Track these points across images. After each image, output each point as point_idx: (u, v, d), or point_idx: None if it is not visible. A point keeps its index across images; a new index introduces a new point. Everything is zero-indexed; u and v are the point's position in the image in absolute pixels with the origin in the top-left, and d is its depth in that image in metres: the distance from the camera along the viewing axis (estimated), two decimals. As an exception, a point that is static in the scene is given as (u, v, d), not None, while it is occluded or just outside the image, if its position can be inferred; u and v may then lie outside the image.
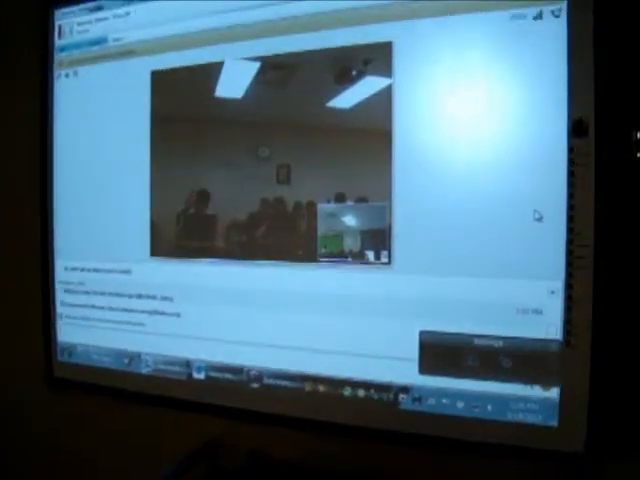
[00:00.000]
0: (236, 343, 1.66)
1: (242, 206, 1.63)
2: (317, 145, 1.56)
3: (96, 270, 1.87)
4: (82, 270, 1.89)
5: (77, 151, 1.88)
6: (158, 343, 1.77)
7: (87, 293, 1.89)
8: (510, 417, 1.44)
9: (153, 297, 1.77)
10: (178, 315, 1.73)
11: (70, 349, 1.94)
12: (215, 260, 1.67)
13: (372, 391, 1.52)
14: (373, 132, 1.48)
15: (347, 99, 1.51)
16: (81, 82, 1.89)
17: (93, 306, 1.88)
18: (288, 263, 1.58)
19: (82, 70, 1.89)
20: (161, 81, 1.74)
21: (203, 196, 1.67)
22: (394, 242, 1.47)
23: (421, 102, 1.45)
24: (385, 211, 1.46)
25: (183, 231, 1.72)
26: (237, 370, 1.67)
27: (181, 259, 1.71)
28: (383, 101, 1.47)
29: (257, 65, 1.60)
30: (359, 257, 1.50)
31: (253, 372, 1.65)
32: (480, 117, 1.44)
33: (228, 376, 1.68)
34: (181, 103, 1.72)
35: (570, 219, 1.37)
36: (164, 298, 1.75)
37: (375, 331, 1.50)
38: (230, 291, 1.65)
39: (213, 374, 1.70)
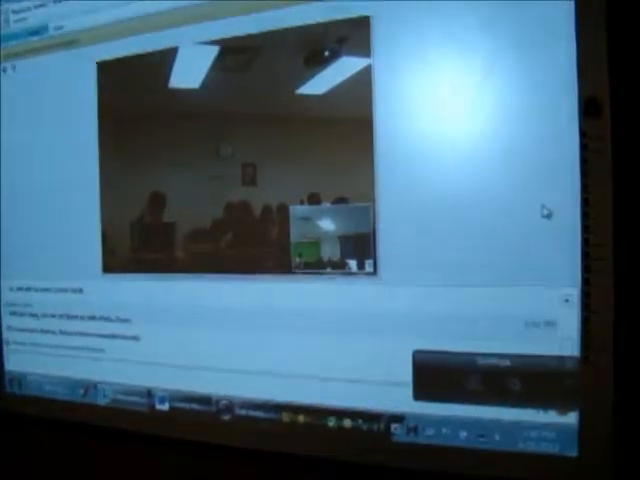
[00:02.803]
0: (203, 369, 1.51)
1: (203, 212, 1.48)
2: (286, 139, 1.42)
3: (45, 290, 1.72)
4: (28, 290, 1.75)
5: (19, 157, 1.75)
6: (116, 370, 1.62)
7: (35, 316, 1.76)
8: (522, 447, 1.28)
9: (108, 319, 1.62)
10: (137, 338, 1.59)
11: (19, 379, 1.79)
12: (175, 275, 1.53)
13: (360, 421, 1.37)
14: (351, 121, 1.34)
15: (319, 84, 1.36)
16: (20, 78, 1.74)
17: (42, 330, 1.73)
18: (258, 276, 1.43)
19: (21, 64, 1.74)
20: (108, 73, 1.59)
21: (158, 200, 1.53)
22: (379, 248, 1.32)
23: (406, 85, 1.31)
24: (368, 213, 1.32)
25: (138, 242, 1.58)
26: (205, 400, 1.52)
27: (137, 274, 1.57)
28: (361, 85, 1.32)
29: (215, 50, 1.45)
30: (339, 267, 1.36)
31: (223, 402, 1.50)
32: (475, 101, 1.27)
33: (195, 407, 1.54)
34: (131, 97, 1.58)
35: (584, 215, 1.20)
36: (120, 320, 1.61)
37: (361, 352, 1.35)
38: (193, 310, 1.51)
39: (178, 405, 1.56)
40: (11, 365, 1.79)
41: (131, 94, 1.57)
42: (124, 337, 1.60)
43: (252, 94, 1.44)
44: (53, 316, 1.71)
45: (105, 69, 1.59)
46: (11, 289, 1.78)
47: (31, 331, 1.75)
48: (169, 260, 1.53)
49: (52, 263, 1.69)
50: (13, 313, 1.78)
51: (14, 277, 1.77)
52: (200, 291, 1.50)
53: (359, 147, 1.32)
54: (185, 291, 1.51)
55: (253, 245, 1.45)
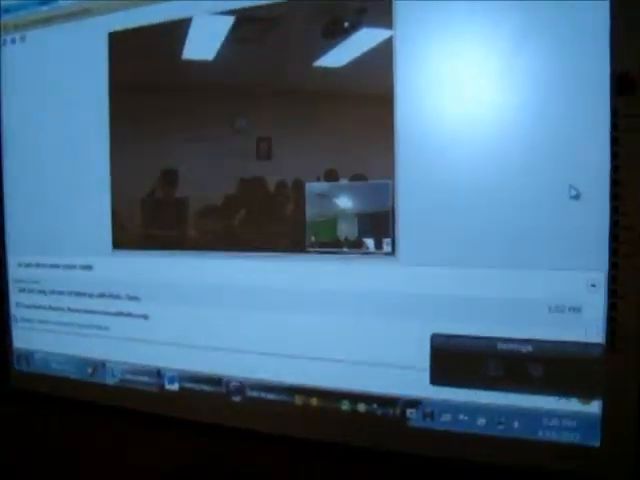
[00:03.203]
0: (213, 349, 1.47)
1: (216, 188, 1.44)
2: (303, 113, 1.36)
3: (53, 266, 1.68)
4: (37, 266, 1.71)
5: (28, 130, 1.69)
6: (125, 349, 1.59)
7: (43, 293, 1.71)
8: (541, 436, 1.24)
9: (117, 296, 1.59)
10: (146, 317, 1.55)
11: (27, 356, 1.76)
12: (186, 252, 1.48)
13: (375, 405, 1.34)
14: (371, 95, 1.29)
15: (338, 56, 1.31)
16: (30, 48, 1.69)
17: (51, 307, 1.70)
18: (272, 255, 1.39)
19: (30, 35, 1.69)
20: (120, 44, 1.53)
21: (170, 176, 1.48)
22: (399, 228, 1.27)
23: (429, 58, 1.26)
24: (387, 190, 1.27)
25: (149, 219, 1.54)
26: (215, 381, 1.49)
27: (147, 252, 1.53)
28: (382, 58, 1.26)
29: (230, 20, 1.40)
30: (356, 246, 1.31)
31: (234, 383, 1.47)
32: (502, 76, 1.21)
33: (205, 388, 1.50)
34: (143, 69, 1.52)
35: (614, 197, 1.15)
36: (130, 297, 1.57)
37: (377, 335, 1.31)
38: (204, 288, 1.47)
39: (188, 385, 1.53)
40: (19, 342, 1.77)
41: (143, 66, 1.51)
42: (133, 315, 1.57)
43: (268, 66, 1.38)
44: (61, 293, 1.67)
45: (116, 40, 1.53)
46: (19, 265, 1.74)
47: (39, 308, 1.71)
48: (180, 237, 1.49)
49: (61, 239, 1.65)
50: (22, 290, 1.74)
51: (22, 253, 1.73)
52: (211, 269, 1.46)
53: (379, 122, 1.27)
54: (196, 269, 1.47)
55: (267, 222, 1.40)
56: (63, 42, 1.62)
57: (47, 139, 1.66)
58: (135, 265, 1.55)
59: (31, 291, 1.73)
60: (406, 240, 1.27)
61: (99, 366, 1.64)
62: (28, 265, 1.72)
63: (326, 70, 1.32)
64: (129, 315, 1.57)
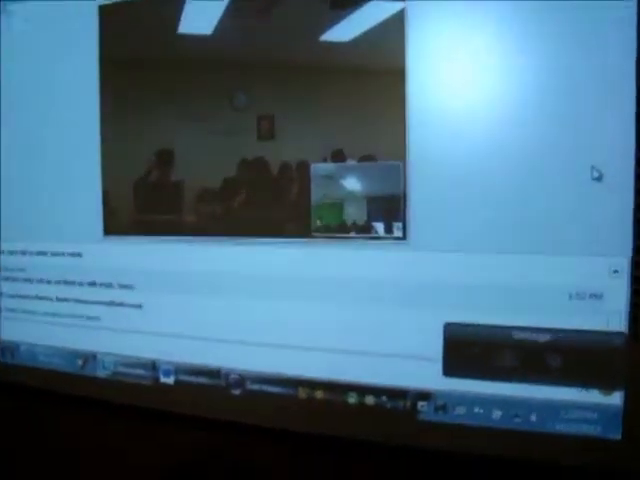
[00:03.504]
0: (211, 340, 1.42)
1: (215, 169, 1.38)
2: (308, 90, 1.31)
3: (40, 253, 1.61)
4: (23, 254, 1.64)
5: (12, 108, 1.61)
6: (117, 341, 1.53)
7: (29, 281, 1.63)
8: (560, 428, 1.19)
9: (109, 285, 1.53)
10: (140, 307, 1.49)
11: (12, 348, 1.69)
12: (182, 238, 1.43)
13: (384, 398, 1.29)
14: (381, 71, 1.24)
15: (346, 30, 1.25)
16: (14, 23, 1.61)
17: (37, 297, 1.62)
18: (274, 240, 1.34)
19: (15, 8, 1.60)
20: (111, 17, 1.46)
21: (165, 157, 1.43)
22: (410, 211, 1.23)
23: (443, 32, 1.20)
24: (398, 172, 1.22)
25: (143, 203, 1.48)
26: (213, 373, 1.43)
27: (141, 237, 1.47)
28: (393, 31, 1.21)
29: None
30: (365, 231, 1.26)
31: (233, 376, 1.42)
32: (522, 53, 1.15)
33: (203, 380, 1.45)
34: (136, 44, 1.46)
35: (638, 178, 1.10)
36: (123, 286, 1.51)
37: (387, 324, 1.26)
38: (202, 276, 1.41)
39: (184, 378, 1.47)
40: (3, 333, 1.69)
41: (136, 41, 1.45)
42: (126, 305, 1.51)
43: (270, 40, 1.32)
44: (49, 282, 1.60)
45: (107, 13, 1.46)
46: (3, 252, 1.66)
47: (25, 298, 1.64)
48: (176, 222, 1.43)
49: (48, 225, 1.58)
50: (6, 278, 1.66)
51: (6, 240, 1.65)
52: (210, 256, 1.40)
53: (389, 100, 1.22)
54: (193, 256, 1.42)
55: (269, 206, 1.35)
56: (51, 16, 1.55)
57: (33, 117, 1.59)
58: (128, 252, 1.49)
59: (16, 280, 1.65)
60: (418, 224, 1.23)
61: (90, 358, 1.57)
62: (12, 252, 1.65)
63: (333, 44, 1.27)
64: (122, 305, 1.51)
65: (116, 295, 1.52)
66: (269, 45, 1.34)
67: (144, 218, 1.48)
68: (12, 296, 1.67)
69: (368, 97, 1.26)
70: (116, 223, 1.50)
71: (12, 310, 1.68)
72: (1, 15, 1.62)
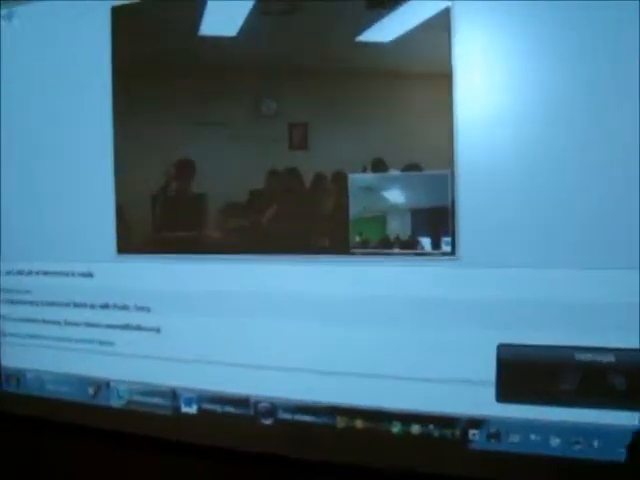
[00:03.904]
0: (238, 366, 1.33)
1: (241, 181, 1.30)
2: (345, 94, 1.23)
3: (46, 273, 1.52)
4: (29, 274, 1.55)
5: (17, 118, 1.54)
6: (133, 367, 1.44)
7: (35, 304, 1.55)
8: (625, 456, 1.10)
9: (124, 307, 1.44)
10: (158, 330, 1.41)
11: (18, 376, 1.60)
12: (205, 256, 1.35)
13: (431, 426, 1.20)
14: (424, 73, 1.17)
15: (386, 30, 1.18)
16: (19, 27, 1.53)
17: (44, 320, 1.53)
18: (308, 258, 1.26)
19: (20, 11, 1.52)
20: (125, 20, 1.39)
21: (186, 168, 1.35)
22: (459, 224, 1.15)
23: (491, 31, 1.13)
24: (445, 181, 1.15)
25: (161, 218, 1.40)
26: (241, 401, 1.34)
27: (159, 256, 1.39)
28: (437, 31, 1.14)
29: None
30: (410, 246, 1.19)
31: (263, 404, 1.33)
32: (576, 57, 1.08)
33: (229, 410, 1.36)
34: (153, 47, 1.38)
35: None
36: (139, 308, 1.42)
37: (434, 346, 1.19)
38: (227, 297, 1.33)
39: (208, 407, 1.38)
40: (8, 360, 1.60)
41: (152, 44, 1.37)
42: (143, 328, 1.42)
43: (302, 41, 1.26)
44: (57, 304, 1.52)
45: (121, 15, 1.39)
46: (8, 273, 1.57)
47: (31, 321, 1.55)
48: (198, 239, 1.36)
49: (56, 242, 1.50)
50: (10, 301, 1.57)
51: (10, 259, 1.57)
52: (236, 275, 1.32)
53: (434, 104, 1.15)
54: (217, 275, 1.34)
55: (302, 221, 1.28)
56: (59, 19, 1.47)
57: (41, 130, 1.50)
58: (144, 271, 1.41)
59: (21, 302, 1.57)
60: (468, 238, 1.15)
61: (103, 386, 1.48)
62: (18, 273, 1.56)
63: (371, 45, 1.19)
64: (138, 328, 1.42)
65: (132, 318, 1.43)
66: (300, 46, 1.26)
67: (162, 235, 1.40)
68: (17, 320, 1.58)
69: (411, 102, 1.19)
70: (131, 240, 1.42)
71: (17, 335, 1.59)
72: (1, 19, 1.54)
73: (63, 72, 1.47)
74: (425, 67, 1.17)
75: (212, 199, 1.34)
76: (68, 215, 1.48)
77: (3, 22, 1.53)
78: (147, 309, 1.41)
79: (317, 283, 1.25)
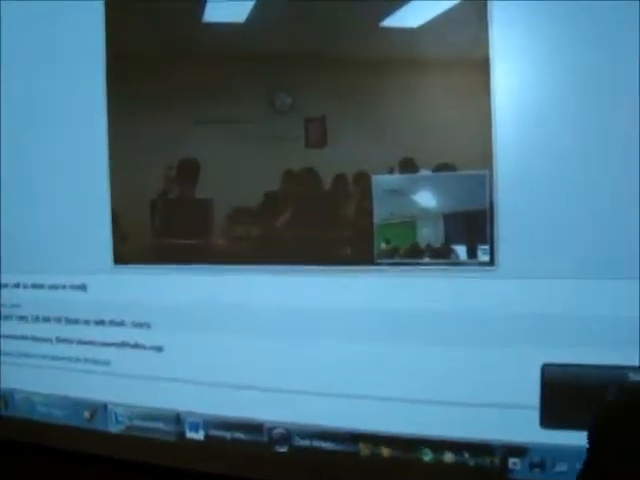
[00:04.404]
0: (250, 388, 1.26)
1: (251, 183, 1.24)
2: (367, 86, 1.16)
3: (36, 286, 1.46)
4: (17, 287, 1.49)
5: (7, 118, 1.46)
6: (132, 389, 1.38)
7: (24, 319, 1.48)
8: None
9: (121, 323, 1.38)
10: (159, 349, 1.34)
11: (5, 397, 1.54)
12: (212, 267, 1.28)
13: (466, 455, 1.13)
14: (458, 62, 1.10)
15: (413, 14, 1.10)
16: (8, 15, 1.44)
17: (34, 337, 1.47)
18: (327, 268, 1.18)
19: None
20: (120, 4, 1.31)
21: (189, 169, 1.30)
22: (499, 230, 1.07)
23: (534, 13, 1.03)
24: (483, 183, 1.07)
25: (161, 225, 1.34)
26: (254, 427, 1.27)
27: (159, 267, 1.33)
28: (472, 16, 1.06)
29: None
30: (442, 255, 1.12)
31: (278, 430, 1.25)
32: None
33: (240, 436, 1.28)
34: (150, 36, 1.31)
35: None
36: (137, 325, 1.36)
37: (469, 366, 1.11)
38: (236, 312, 1.26)
39: (216, 433, 1.31)
40: None
41: (150, 32, 1.30)
42: (142, 347, 1.36)
43: (319, 27, 1.19)
44: (47, 320, 1.45)
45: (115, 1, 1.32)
46: None
47: (20, 338, 1.49)
48: (204, 248, 1.31)
49: (46, 252, 1.44)
50: None
51: None
52: (245, 289, 1.26)
53: (469, 96, 1.10)
54: (225, 288, 1.28)
55: (320, 228, 1.22)
56: (44, 5, 1.39)
57: (29, 127, 1.44)
58: (143, 284, 1.35)
59: (9, 317, 1.50)
60: (509, 246, 1.07)
61: (99, 409, 1.43)
62: (4, 285, 1.49)
63: (397, 31, 1.13)
64: (137, 346, 1.37)
65: (129, 335, 1.37)
66: (317, 33, 1.20)
67: (162, 243, 1.36)
68: (5, 336, 1.52)
69: (443, 93, 1.13)
70: (128, 249, 1.37)
71: (5, 353, 1.52)
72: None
73: (53, 62, 1.39)
74: (459, 54, 1.11)
75: (218, 204, 1.29)
76: (59, 222, 1.42)
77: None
78: (147, 325, 1.35)
79: (338, 297, 1.19)
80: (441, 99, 1.12)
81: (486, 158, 1.07)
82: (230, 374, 1.28)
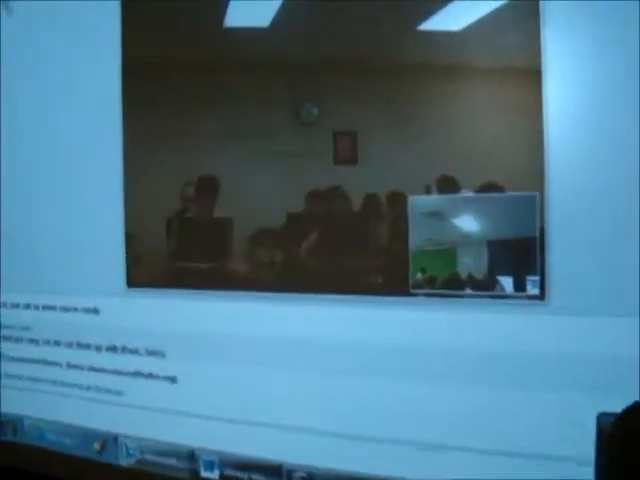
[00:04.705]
0: (269, 426, 1.17)
1: (274, 203, 1.16)
2: (403, 97, 1.08)
3: (48, 308, 1.40)
4: (27, 307, 1.44)
5: (15, 131, 1.42)
6: (144, 421, 1.31)
7: (35, 342, 1.42)
8: None
9: (134, 351, 1.30)
10: (174, 380, 1.27)
11: (14, 424, 1.48)
12: (230, 294, 1.20)
13: None
14: (505, 69, 1.01)
15: (455, 16, 1.01)
16: (17, 22, 1.41)
17: (45, 361, 1.42)
18: (357, 299, 1.09)
19: (18, 4, 1.41)
20: (138, 9, 1.26)
21: (208, 187, 1.22)
22: (550, 260, 0.97)
23: (589, 14, 0.93)
24: (533, 206, 0.97)
25: (177, 247, 1.27)
26: (272, 469, 1.18)
27: (174, 291, 1.25)
28: (522, 17, 0.97)
29: None
30: (486, 287, 1.02)
31: (299, 474, 1.16)
32: None
33: (258, 477, 1.20)
34: (168, 42, 1.24)
35: None
36: (151, 353, 1.29)
37: (515, 412, 1.00)
38: (256, 343, 1.18)
39: (233, 473, 1.22)
40: (4, 405, 1.48)
41: (168, 38, 1.24)
42: (156, 377, 1.29)
43: (349, 31, 1.10)
44: (58, 344, 1.40)
45: (131, 7, 1.26)
46: (4, 305, 1.46)
47: (30, 362, 1.44)
48: (221, 272, 1.23)
49: (58, 273, 1.39)
50: (7, 337, 1.47)
51: (7, 290, 1.45)
52: (266, 317, 1.17)
53: (519, 108, 0.99)
54: (245, 316, 1.19)
55: (349, 253, 1.12)
56: (59, 12, 1.35)
57: (41, 142, 1.40)
58: (157, 309, 1.28)
59: (19, 340, 1.45)
60: (561, 278, 0.97)
61: (109, 441, 1.36)
62: (15, 306, 1.45)
63: (436, 35, 1.04)
64: (150, 376, 1.29)
65: (143, 364, 1.30)
66: (347, 38, 1.11)
67: (178, 266, 1.27)
68: (14, 359, 1.47)
69: (488, 104, 1.04)
70: (142, 272, 1.30)
71: (15, 377, 1.47)
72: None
73: (67, 73, 1.35)
74: (507, 61, 1.02)
75: (239, 225, 1.21)
76: (71, 243, 1.38)
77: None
78: (161, 354, 1.28)
79: (368, 330, 1.10)
80: (486, 111, 1.03)
81: (537, 178, 0.98)
82: (248, 409, 1.21)
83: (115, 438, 1.35)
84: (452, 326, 1.05)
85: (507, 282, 1.01)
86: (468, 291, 1.04)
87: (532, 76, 0.97)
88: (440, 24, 1.03)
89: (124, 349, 1.32)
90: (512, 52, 1.00)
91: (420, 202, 1.05)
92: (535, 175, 0.98)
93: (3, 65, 1.42)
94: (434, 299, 1.05)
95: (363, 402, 1.10)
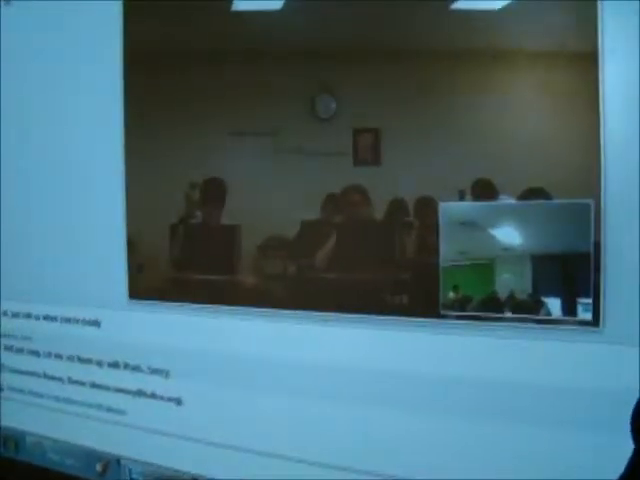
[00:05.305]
0: (281, 458, 1.09)
1: (287, 208, 1.08)
2: (432, 88, 0.98)
3: (48, 318, 1.35)
4: (28, 317, 1.39)
5: (15, 130, 1.37)
6: (148, 444, 1.24)
7: (36, 354, 1.37)
8: None
9: (136, 368, 1.23)
10: (178, 401, 1.19)
11: (16, 439, 1.42)
12: (238, 309, 1.13)
13: None
14: (555, 54, 0.90)
15: None
16: (16, 15, 1.35)
17: (46, 375, 1.36)
18: (380, 319, 1.00)
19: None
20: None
21: (215, 190, 1.15)
22: (606, 280, 0.88)
23: None
24: (587, 216, 0.88)
25: (181, 254, 1.20)
26: None
27: (179, 305, 1.18)
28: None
29: None
30: (529, 310, 0.93)
31: None
32: None
33: None
34: (172, 30, 1.16)
35: None
36: (154, 371, 1.22)
37: (565, 454, 0.90)
38: (268, 364, 1.10)
39: None
40: (5, 418, 1.43)
41: (172, 26, 1.16)
42: (159, 397, 1.22)
43: (371, 14, 1.00)
44: (60, 357, 1.34)
45: None
46: (5, 314, 1.41)
47: (31, 374, 1.39)
48: (230, 284, 1.15)
49: (58, 282, 1.32)
50: (8, 347, 1.42)
51: (8, 298, 1.41)
52: (278, 337, 1.09)
53: (569, 100, 0.90)
54: (255, 334, 1.11)
55: (370, 266, 1.03)
56: (59, 4, 1.30)
57: (41, 144, 1.35)
58: (161, 323, 1.21)
59: (20, 351, 1.40)
60: (619, 301, 0.87)
61: (112, 463, 1.30)
62: (16, 315, 1.39)
63: (474, 15, 0.93)
64: (154, 396, 1.22)
65: (146, 382, 1.23)
66: (369, 21, 1.01)
67: (183, 277, 1.21)
68: (17, 371, 1.42)
69: (533, 96, 0.95)
70: (144, 283, 1.24)
71: (16, 390, 1.43)
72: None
73: (68, 66, 1.29)
74: (555, 44, 0.91)
75: (248, 232, 1.13)
76: (71, 252, 1.32)
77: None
78: (164, 372, 1.21)
79: (391, 356, 1.01)
80: (530, 104, 0.93)
81: (591, 183, 0.88)
82: (258, 437, 1.12)
83: (117, 460, 1.29)
84: (488, 354, 0.96)
85: (554, 304, 0.92)
86: (508, 314, 0.94)
87: (586, 62, 0.86)
88: (477, 3, 0.92)
89: (126, 366, 1.25)
90: (561, 33, 0.89)
91: (452, 209, 0.96)
92: (589, 179, 0.88)
93: (3, 64, 1.36)
94: (468, 322, 0.96)
95: (387, 435, 1.01)
